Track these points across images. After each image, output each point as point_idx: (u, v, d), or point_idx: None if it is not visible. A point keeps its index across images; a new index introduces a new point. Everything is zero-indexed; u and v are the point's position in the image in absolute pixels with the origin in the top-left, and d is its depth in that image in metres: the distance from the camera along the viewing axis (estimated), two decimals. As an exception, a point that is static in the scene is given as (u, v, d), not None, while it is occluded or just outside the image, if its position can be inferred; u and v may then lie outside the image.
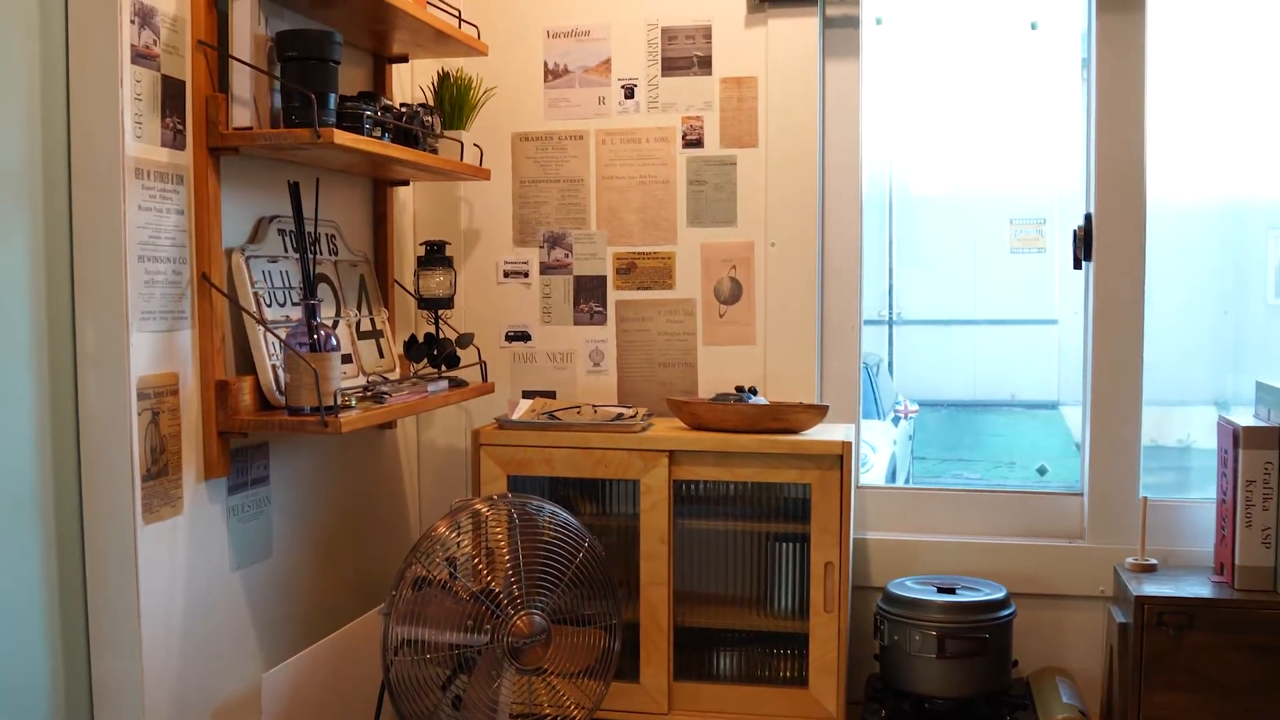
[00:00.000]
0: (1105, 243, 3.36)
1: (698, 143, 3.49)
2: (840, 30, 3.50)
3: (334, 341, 2.56)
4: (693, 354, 3.52)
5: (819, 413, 3.19)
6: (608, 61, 3.53)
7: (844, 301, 3.51)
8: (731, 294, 3.49)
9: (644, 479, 3.13)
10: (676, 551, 3.18)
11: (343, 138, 2.53)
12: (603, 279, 3.55)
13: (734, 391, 3.31)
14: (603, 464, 3.14)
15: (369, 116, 2.73)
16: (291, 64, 2.55)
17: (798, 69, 3.45)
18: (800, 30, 3.45)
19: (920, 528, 3.54)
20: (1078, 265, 3.46)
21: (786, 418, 3.17)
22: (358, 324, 3.09)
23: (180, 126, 2.49)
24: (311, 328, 2.55)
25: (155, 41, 2.42)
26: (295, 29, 2.59)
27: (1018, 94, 8.92)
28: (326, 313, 2.94)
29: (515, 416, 3.27)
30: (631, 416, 3.26)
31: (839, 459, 3.06)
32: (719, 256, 3.49)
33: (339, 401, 2.58)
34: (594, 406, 3.35)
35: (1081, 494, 3.47)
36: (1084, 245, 3.41)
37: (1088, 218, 3.40)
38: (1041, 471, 7.56)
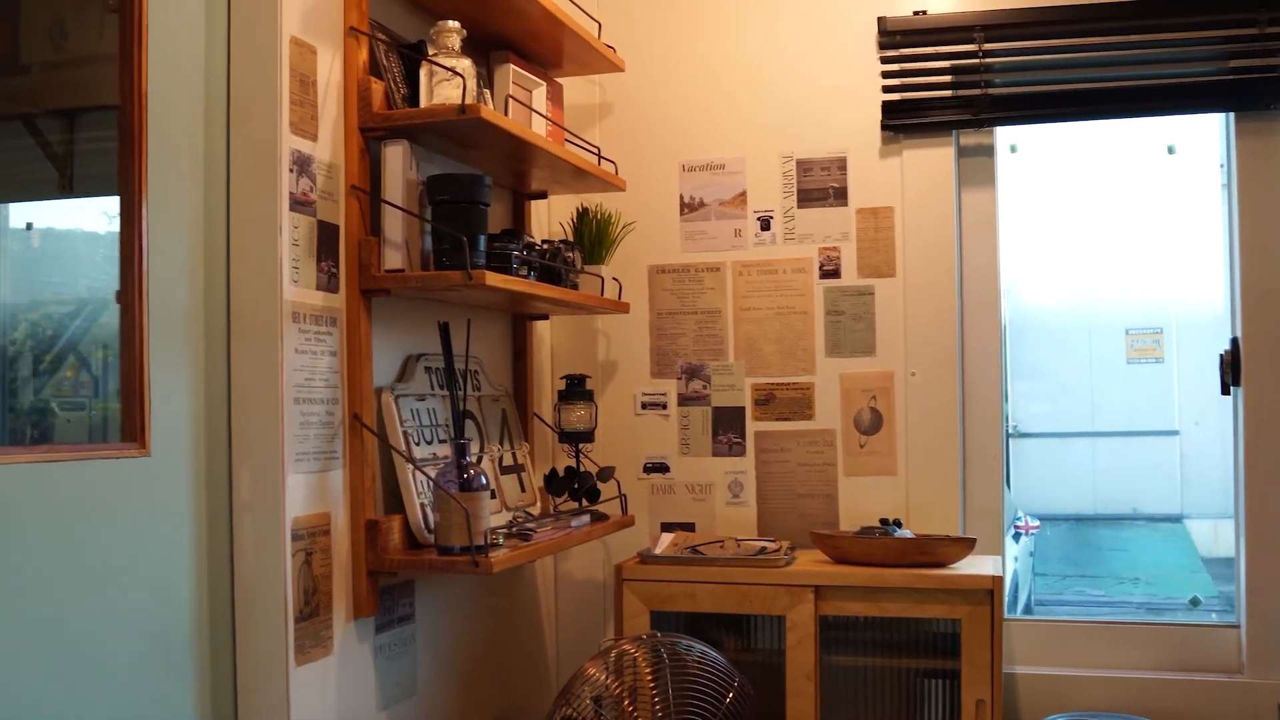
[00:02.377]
0: (1255, 365, 3.28)
1: (835, 273, 3.48)
2: (975, 159, 3.49)
3: (483, 480, 2.57)
4: (833, 485, 3.47)
5: (966, 546, 3.12)
6: (743, 194, 3.55)
7: (986, 430, 3.46)
8: (872, 424, 3.45)
9: (789, 615, 3.07)
10: (823, 688, 3.11)
11: (494, 279, 2.56)
12: (741, 410, 3.54)
13: (878, 524, 3.26)
14: (747, 599, 3.10)
15: (516, 256, 2.77)
16: (443, 207, 2.59)
17: (934, 198, 3.44)
18: (935, 160, 3.44)
19: (1068, 661, 3.43)
20: (1226, 390, 3.37)
21: (934, 551, 3.10)
22: (500, 459, 3.10)
23: (334, 270, 2.54)
24: (461, 467, 2.56)
25: (312, 188, 2.48)
26: (447, 173, 2.63)
27: (1138, 208, 8.84)
28: (472, 449, 2.95)
29: (657, 551, 3.25)
30: (775, 550, 3.22)
31: (989, 593, 2.98)
32: (858, 386, 3.46)
33: (488, 540, 2.58)
34: (737, 540, 3.31)
35: (1238, 625, 3.34)
36: (1231, 370, 3.33)
37: (1234, 341, 3.32)
38: (1194, 603, 7.32)
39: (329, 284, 2.52)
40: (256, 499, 2.39)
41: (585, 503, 3.23)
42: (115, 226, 3.17)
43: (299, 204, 2.44)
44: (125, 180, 2.26)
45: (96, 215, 3.27)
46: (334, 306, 2.54)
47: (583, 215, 3.39)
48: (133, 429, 2.23)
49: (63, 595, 2.02)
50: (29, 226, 3.37)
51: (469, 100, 2.55)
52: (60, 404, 3.17)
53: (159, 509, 2.25)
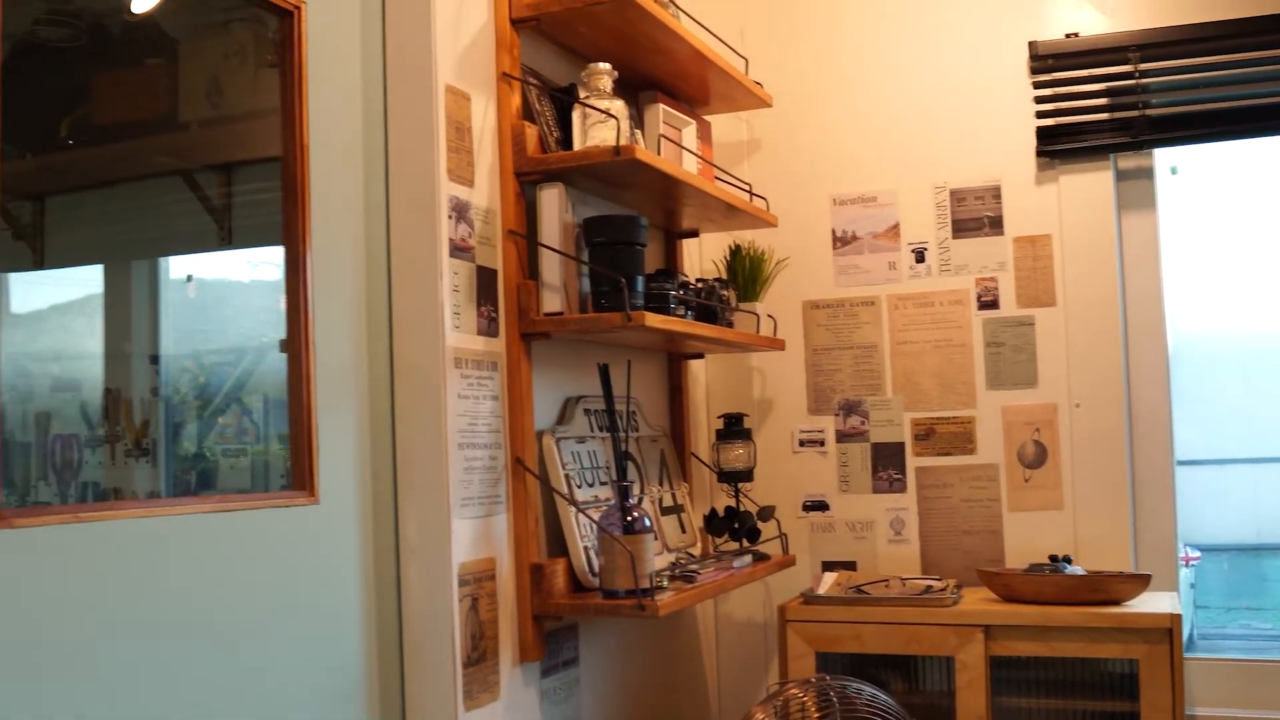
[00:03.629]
0: None
1: (993, 304, 3.40)
2: (1134, 182, 3.40)
3: (647, 522, 2.55)
4: (998, 521, 3.38)
5: (1141, 583, 3.02)
6: (896, 226, 3.50)
7: (1155, 461, 3.34)
8: (1036, 457, 3.36)
9: (959, 655, 2.99)
10: (995, 732, 3.02)
11: (653, 319, 2.55)
12: (901, 445, 3.47)
13: (1047, 561, 3.16)
14: (915, 640, 3.03)
15: (673, 296, 2.75)
16: (600, 249, 2.59)
17: (1093, 224, 3.35)
18: (1093, 185, 3.35)
19: (1250, 701, 3.28)
20: None
21: (1107, 589, 3.00)
22: (660, 499, 3.08)
23: (494, 314, 2.55)
24: (625, 509, 2.54)
25: (470, 234, 2.49)
26: (604, 215, 2.63)
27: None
28: (633, 490, 2.93)
29: (821, 591, 3.19)
30: (941, 589, 3.14)
31: (1167, 632, 2.87)
32: (1021, 419, 3.37)
33: (653, 583, 2.55)
34: (901, 579, 3.24)
35: None
36: None
37: None
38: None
39: (489, 329, 2.53)
40: (423, 544, 2.40)
41: (746, 543, 3.19)
42: (269, 275, 3.23)
43: (458, 250, 2.45)
44: (289, 231, 2.29)
45: (251, 265, 3.34)
46: (494, 351, 2.54)
47: (736, 253, 3.36)
48: (302, 477, 2.26)
49: (238, 640, 2.04)
50: (189, 278, 3.45)
51: (623, 141, 2.54)
52: (223, 451, 3.23)
53: (328, 555, 2.27)
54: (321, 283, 2.30)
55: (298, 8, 2.30)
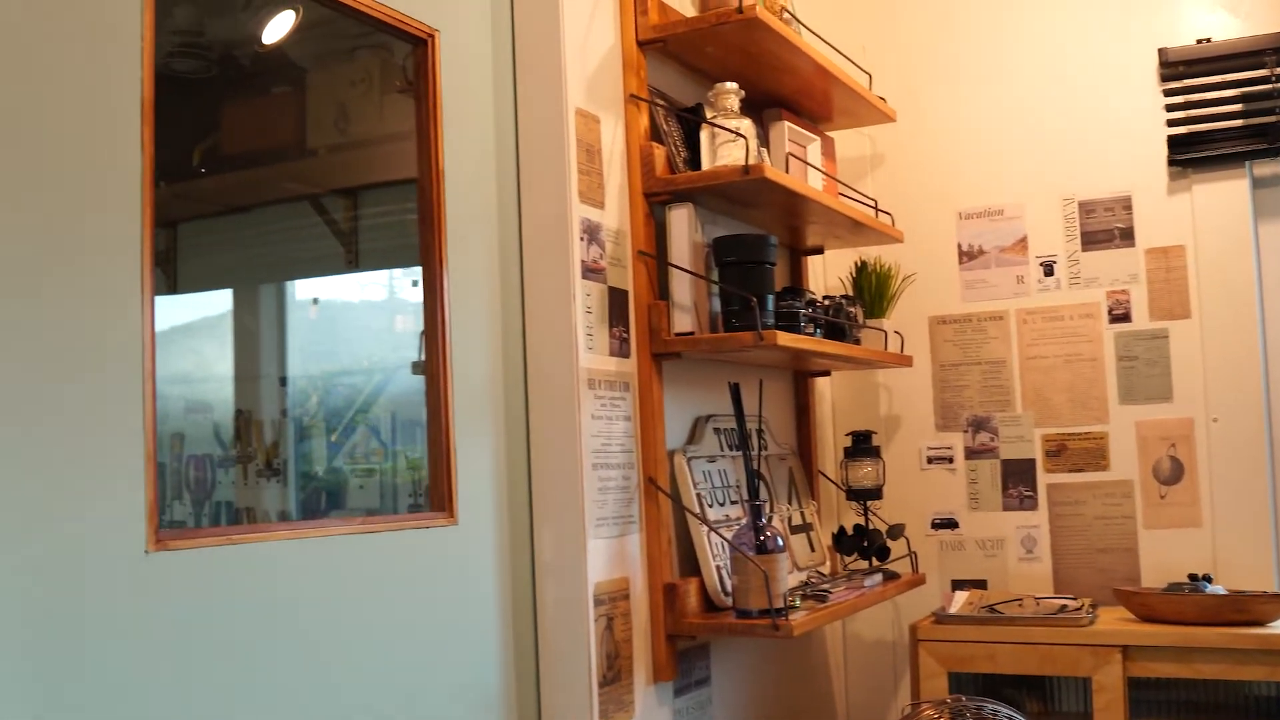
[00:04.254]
0: None
1: (1125, 317, 3.34)
2: (1272, 189, 3.32)
3: (780, 542, 2.54)
4: (1132, 538, 3.32)
5: (1286, 602, 2.94)
6: (1024, 239, 3.45)
7: (1299, 477, 3.26)
8: (1172, 473, 3.29)
9: (1096, 676, 2.93)
10: (1135, 754, 2.96)
11: (785, 338, 2.54)
12: (1031, 462, 3.42)
13: (1186, 580, 3.09)
14: (1050, 660, 2.98)
15: (803, 314, 2.74)
16: (730, 268, 2.59)
17: (1228, 233, 3.27)
18: (1228, 193, 3.28)
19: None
20: None
21: (1250, 609, 2.93)
22: (789, 518, 3.07)
23: (625, 335, 2.56)
24: (758, 529, 2.53)
25: (601, 255, 2.51)
26: (734, 234, 2.63)
27: None
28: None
29: (952, 610, 3.15)
30: (1076, 608, 3.08)
31: (1315, 653, 2.79)
32: (1156, 434, 3.30)
33: (786, 602, 2.54)
34: (1035, 598, 3.19)
35: None
36: None
37: None
38: None
39: (621, 349, 2.54)
40: (559, 564, 2.41)
41: (875, 561, 3.16)
42: (394, 297, 3.28)
43: (590, 271, 2.47)
44: (427, 254, 2.32)
45: (375, 287, 3.39)
46: (626, 371, 2.55)
47: (862, 269, 3.34)
48: (441, 498, 2.29)
49: (381, 659, 2.07)
50: (315, 301, 3.52)
51: (752, 160, 2.54)
52: (352, 471, 3.28)
53: (467, 575, 2.30)
54: (458, 305, 2.33)
55: (432, 35, 2.34)
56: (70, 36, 1.64)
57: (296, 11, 2.75)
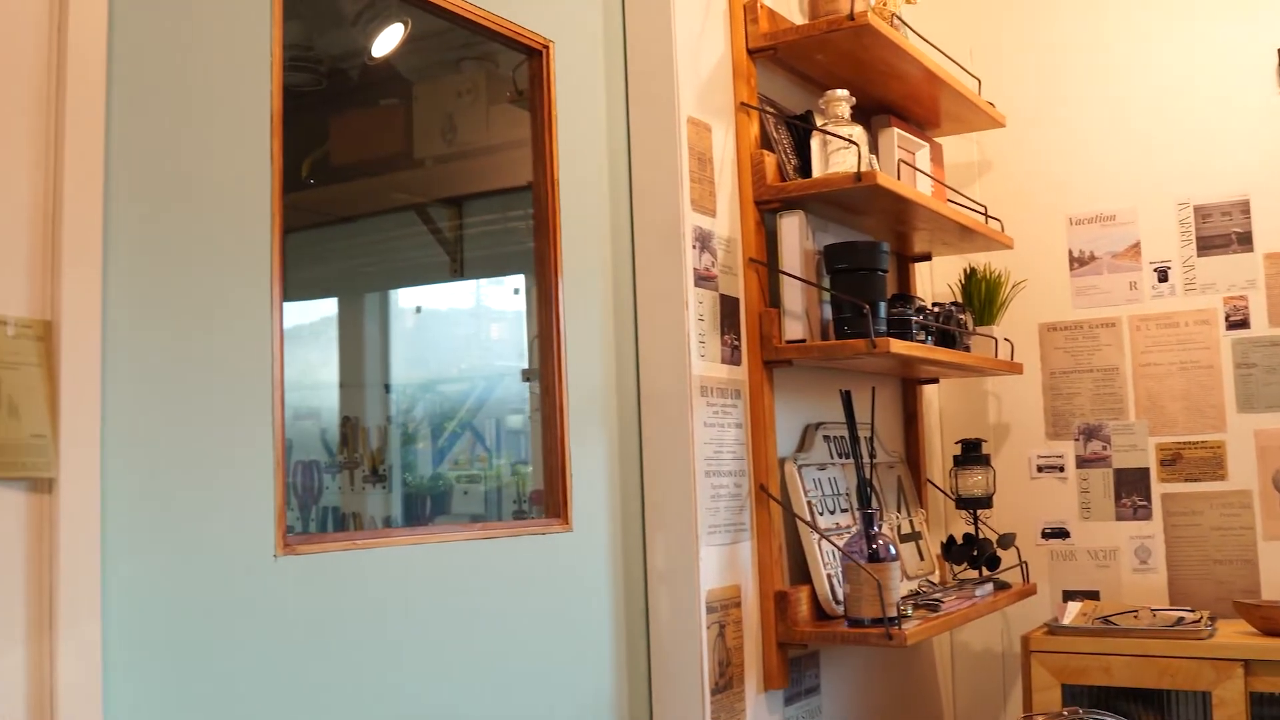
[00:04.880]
0: None
1: (1243, 323, 3.27)
2: (1397, 191, 3.24)
3: (893, 550, 2.52)
4: (1252, 550, 3.24)
5: None
6: (1137, 245, 3.40)
7: None
8: (1292, 483, 3.22)
9: (1216, 691, 2.88)
10: (1256, 770, 2.90)
11: (897, 346, 2.52)
12: (1145, 471, 3.36)
13: (1308, 592, 3.03)
14: (1168, 674, 2.92)
15: (914, 321, 2.73)
16: (841, 275, 2.58)
17: (1352, 237, 3.20)
18: (1351, 195, 3.21)
19: None
20: None
21: (1376, 621, 2.86)
22: (899, 526, 3.05)
23: (736, 342, 2.56)
24: (870, 537, 2.52)
25: (713, 263, 2.51)
26: (846, 241, 2.63)
27: None
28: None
29: (1065, 621, 3.11)
30: (1194, 621, 3.02)
31: None
32: (1275, 444, 3.23)
33: (899, 611, 2.52)
34: (1152, 610, 3.13)
35: None
36: None
37: None
38: None
39: (732, 357, 2.54)
40: (671, 572, 2.42)
41: (985, 570, 3.13)
42: (498, 305, 3.31)
43: (702, 279, 2.47)
44: (541, 262, 2.34)
45: (474, 295, 3.42)
46: (738, 379, 2.55)
47: (971, 275, 3.31)
48: (555, 505, 2.30)
49: (496, 664, 2.09)
50: (418, 309, 3.56)
51: (864, 168, 2.53)
52: (457, 477, 3.31)
53: (581, 582, 2.31)
54: (572, 312, 2.35)
55: (547, 46, 2.36)
56: (208, 55, 1.68)
57: (405, 24, 2.79)
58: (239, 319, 1.68)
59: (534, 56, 2.38)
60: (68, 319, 1.43)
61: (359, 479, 3.24)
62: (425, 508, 3.34)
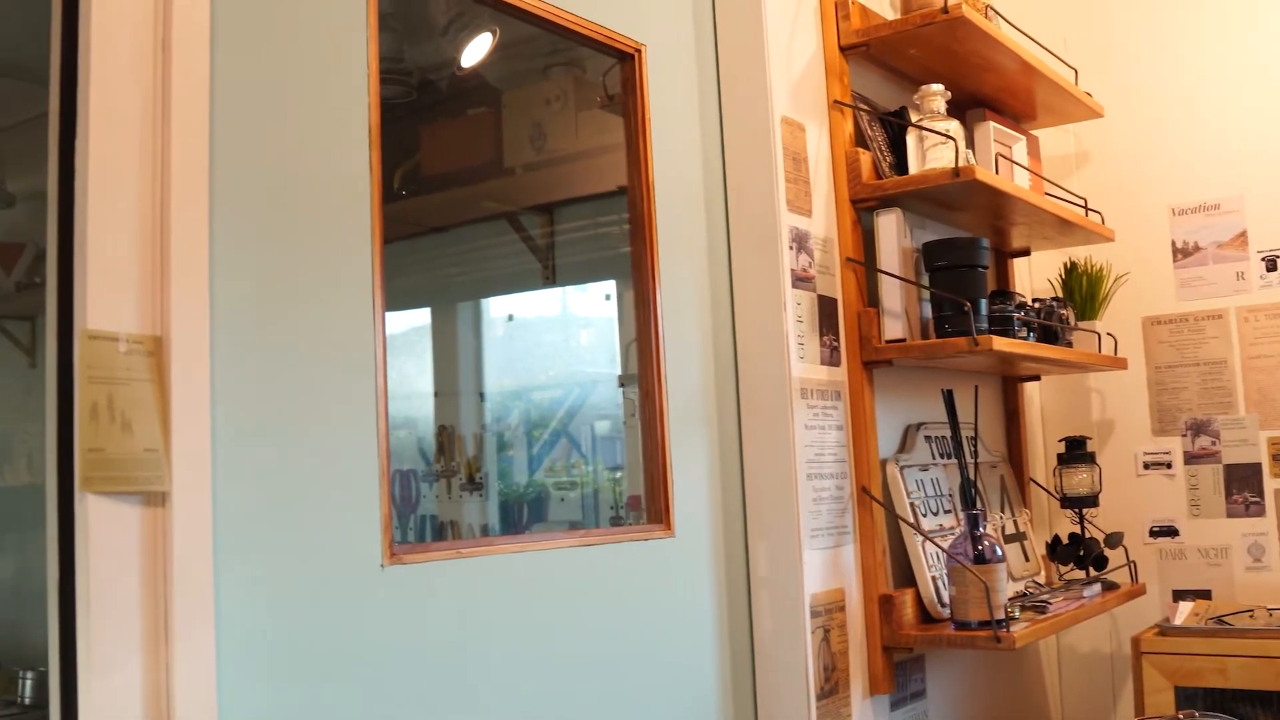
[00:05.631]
0: None
1: (1355, 312, 3.18)
2: None
3: (999, 552, 2.48)
4: (1371, 547, 3.16)
5: None
6: (1243, 234, 3.31)
7: None
8: None
9: (1336, 691, 2.80)
10: (1380, 773, 2.81)
11: (1000, 343, 2.48)
12: (1257, 466, 3.27)
13: None
14: (1286, 674, 2.85)
15: (1016, 318, 2.68)
16: (941, 273, 2.54)
17: None
18: None
19: None
20: None
21: None
22: (1003, 527, 3.00)
23: (835, 343, 2.53)
24: (975, 538, 2.48)
25: (810, 263, 2.48)
26: (945, 238, 2.59)
27: None
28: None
29: (1178, 621, 3.04)
30: (1312, 619, 2.95)
31: None
32: (1392, 436, 3.14)
33: (1006, 614, 2.48)
34: (1268, 609, 3.05)
35: None
36: None
37: None
38: None
39: (831, 358, 2.51)
40: (774, 576, 2.39)
41: (1092, 571, 3.07)
42: (590, 310, 3.30)
43: (799, 280, 2.45)
44: (639, 267, 2.33)
45: (566, 302, 3.42)
46: (837, 380, 2.53)
47: (1071, 270, 3.25)
48: (657, 510, 2.29)
49: (602, 669, 2.08)
50: (510, 317, 3.56)
51: (962, 163, 2.49)
52: (554, 484, 3.31)
53: (684, 587, 2.29)
54: (670, 316, 2.33)
55: (639, 50, 2.34)
56: (307, 71, 1.69)
57: (494, 33, 2.79)
58: (343, 330, 1.69)
59: (626, 61, 2.37)
60: (177, 334, 1.44)
61: (456, 487, 3.25)
62: (522, 515, 3.34)
